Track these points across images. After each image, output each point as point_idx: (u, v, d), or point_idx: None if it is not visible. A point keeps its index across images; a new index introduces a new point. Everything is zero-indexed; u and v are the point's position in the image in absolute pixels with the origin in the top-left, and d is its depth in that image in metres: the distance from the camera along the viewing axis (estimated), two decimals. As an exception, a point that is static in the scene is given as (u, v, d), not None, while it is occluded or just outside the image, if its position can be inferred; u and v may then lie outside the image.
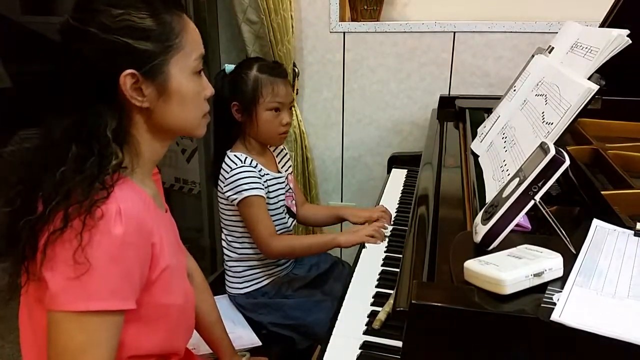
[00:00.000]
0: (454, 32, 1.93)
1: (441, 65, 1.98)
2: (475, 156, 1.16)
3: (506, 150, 1.01)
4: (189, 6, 2.09)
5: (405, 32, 1.98)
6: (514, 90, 1.21)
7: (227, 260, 1.46)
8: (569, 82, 0.91)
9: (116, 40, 0.73)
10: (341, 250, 2.19)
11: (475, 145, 1.21)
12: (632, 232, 0.74)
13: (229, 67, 1.40)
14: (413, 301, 0.61)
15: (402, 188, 1.64)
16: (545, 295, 0.61)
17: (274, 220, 1.39)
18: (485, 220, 0.73)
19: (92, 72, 0.74)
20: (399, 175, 1.74)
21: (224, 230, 1.46)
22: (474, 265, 0.65)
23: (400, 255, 1.10)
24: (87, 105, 0.74)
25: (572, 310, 0.57)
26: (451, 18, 1.96)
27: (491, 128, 1.18)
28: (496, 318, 0.59)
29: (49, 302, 0.71)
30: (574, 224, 0.82)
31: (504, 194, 0.74)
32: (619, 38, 0.88)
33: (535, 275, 0.62)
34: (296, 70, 2.05)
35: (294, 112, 1.95)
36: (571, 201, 0.90)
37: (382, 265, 1.19)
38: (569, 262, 0.66)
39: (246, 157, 1.36)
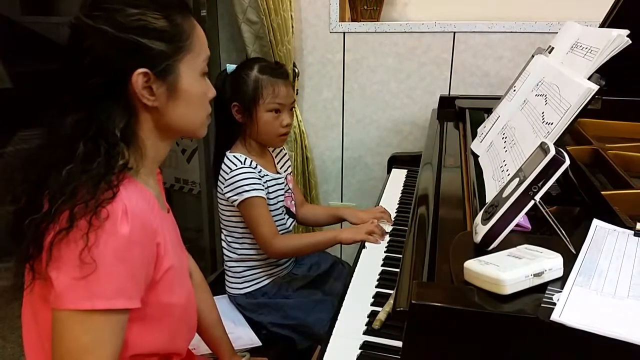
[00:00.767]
0: (454, 32, 1.93)
1: (441, 65, 1.98)
2: (475, 156, 1.16)
3: (506, 151, 1.01)
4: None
5: (405, 32, 1.98)
6: (514, 91, 1.21)
7: (227, 261, 1.46)
8: (569, 82, 0.91)
9: (131, 39, 0.74)
10: (341, 250, 2.20)
11: (475, 145, 1.21)
12: (632, 232, 0.74)
13: (231, 67, 1.39)
14: (413, 301, 0.61)
15: (402, 188, 1.64)
16: (545, 295, 0.61)
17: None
18: (485, 220, 0.73)
19: (103, 70, 0.74)
20: (399, 176, 1.74)
21: (223, 230, 1.46)
22: (474, 265, 0.65)
23: (400, 255, 1.10)
24: (95, 103, 0.74)
25: (572, 310, 0.57)
26: (451, 18, 1.96)
27: (491, 128, 1.18)
28: (496, 318, 0.59)
29: (54, 301, 0.71)
30: (574, 224, 0.82)
31: (504, 194, 0.74)
32: (619, 38, 0.88)
33: (535, 275, 0.62)
34: (296, 70, 2.05)
35: (294, 112, 1.94)
36: (571, 201, 0.90)
37: (382, 266, 1.18)
38: (569, 262, 0.65)
39: (246, 158, 1.36)
